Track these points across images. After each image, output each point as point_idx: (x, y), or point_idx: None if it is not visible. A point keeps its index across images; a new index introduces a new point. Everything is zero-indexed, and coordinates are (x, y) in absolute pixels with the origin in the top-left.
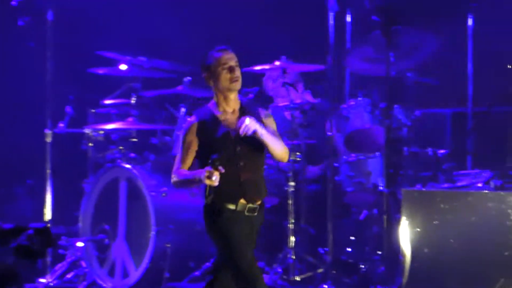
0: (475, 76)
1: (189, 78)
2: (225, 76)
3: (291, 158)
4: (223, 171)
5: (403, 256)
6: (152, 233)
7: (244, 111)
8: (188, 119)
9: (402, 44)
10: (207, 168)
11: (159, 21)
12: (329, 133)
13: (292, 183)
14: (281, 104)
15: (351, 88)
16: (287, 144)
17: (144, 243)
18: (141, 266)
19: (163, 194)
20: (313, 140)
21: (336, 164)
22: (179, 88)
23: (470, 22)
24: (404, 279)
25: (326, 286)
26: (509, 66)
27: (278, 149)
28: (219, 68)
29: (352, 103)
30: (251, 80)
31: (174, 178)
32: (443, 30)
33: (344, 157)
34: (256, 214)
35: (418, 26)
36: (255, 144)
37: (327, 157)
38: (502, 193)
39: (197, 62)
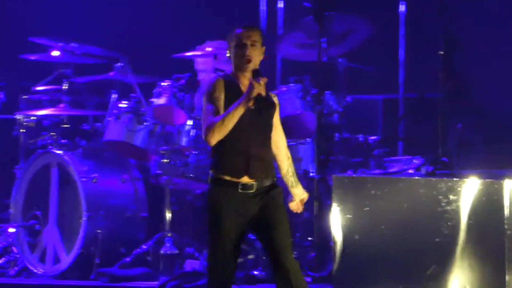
0: (407, 62)
1: (120, 64)
2: (236, 53)
3: None
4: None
5: (334, 242)
6: (83, 219)
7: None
8: (216, 77)
9: (334, 30)
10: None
11: (90, 7)
12: None
13: None
14: None
15: (283, 74)
16: None
17: (75, 229)
18: (72, 252)
19: (94, 180)
20: None
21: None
22: (111, 74)
23: (402, 8)
24: (335, 266)
25: (256, 272)
26: (440, 53)
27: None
28: (233, 44)
29: (284, 89)
30: (184, 66)
31: (213, 125)
32: (375, 16)
33: None
34: (253, 192)
35: (350, 12)
36: (270, 120)
37: None
38: (433, 179)
39: (128, 48)
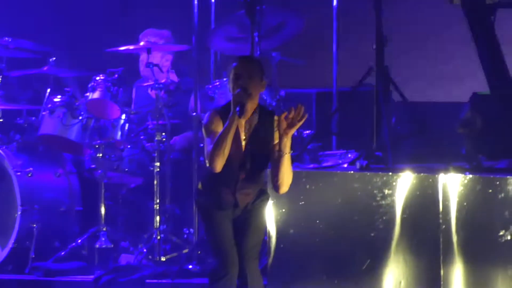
0: (340, 56)
1: (53, 58)
2: (232, 84)
3: (156, 139)
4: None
5: (268, 236)
6: (18, 213)
7: (259, 116)
8: (211, 111)
9: (267, 24)
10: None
11: (24, 1)
12: (193, 113)
13: (157, 163)
14: (145, 84)
15: (216, 69)
16: (152, 124)
17: (9, 223)
18: (6, 246)
19: (29, 174)
20: (178, 119)
21: (201, 145)
22: (45, 68)
23: (335, 2)
24: (269, 260)
25: (191, 266)
26: (374, 47)
27: (287, 178)
28: (231, 75)
29: (217, 83)
30: (117, 60)
31: (211, 152)
32: (308, 10)
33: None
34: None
35: (282, 6)
36: (264, 150)
37: (193, 138)
38: (367, 173)
39: (62, 42)
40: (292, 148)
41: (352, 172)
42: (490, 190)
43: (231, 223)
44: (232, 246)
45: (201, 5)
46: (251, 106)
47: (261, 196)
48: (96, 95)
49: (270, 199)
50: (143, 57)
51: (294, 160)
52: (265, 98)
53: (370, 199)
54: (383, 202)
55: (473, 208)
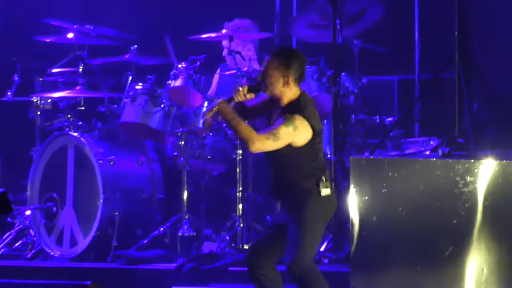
0: (422, 43)
1: (135, 46)
2: None
3: None
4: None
5: (351, 224)
6: (100, 201)
7: (282, 111)
8: None
9: (348, 11)
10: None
11: None
12: None
13: (239, 151)
14: (228, 73)
15: None
16: None
17: (92, 211)
18: (89, 234)
19: (111, 162)
20: None
21: None
22: (126, 56)
23: None
24: (352, 247)
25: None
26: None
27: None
28: None
29: None
30: (201, 48)
31: None
32: None
33: None
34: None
35: None
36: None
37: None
38: (450, 160)
39: (143, 29)
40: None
41: (434, 159)
42: None
43: None
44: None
45: None
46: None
47: (295, 199)
48: (178, 82)
49: (352, 187)
50: (225, 43)
51: (376, 147)
52: (347, 85)
53: (452, 186)
54: (465, 189)
55: None
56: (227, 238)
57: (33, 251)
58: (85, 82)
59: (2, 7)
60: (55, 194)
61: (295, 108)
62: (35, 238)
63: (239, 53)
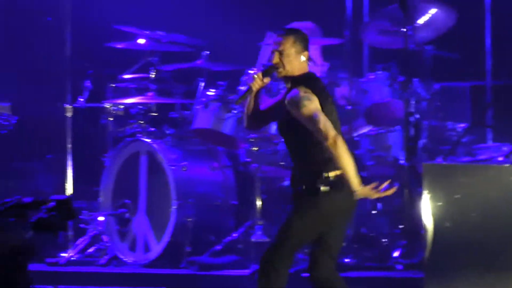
0: (494, 49)
1: (207, 52)
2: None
3: None
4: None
5: (425, 230)
6: (173, 207)
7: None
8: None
9: (420, 17)
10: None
11: None
12: (348, 107)
13: None
14: None
15: (370, 62)
16: None
17: (165, 217)
18: (162, 240)
19: (183, 168)
20: None
21: (356, 138)
22: (198, 62)
23: None
24: (426, 253)
25: (347, 260)
26: None
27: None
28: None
29: (371, 76)
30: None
31: None
32: (460, 3)
33: (364, 130)
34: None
35: None
36: (291, 124)
37: (347, 131)
38: None
39: (215, 35)
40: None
41: (507, 165)
42: None
43: None
44: None
45: None
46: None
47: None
48: None
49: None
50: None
51: (448, 153)
52: (419, 91)
53: None
54: None
55: None
56: None
57: (106, 257)
58: (157, 88)
59: (74, 15)
60: (127, 200)
61: (299, 81)
62: (108, 244)
63: (311, 58)
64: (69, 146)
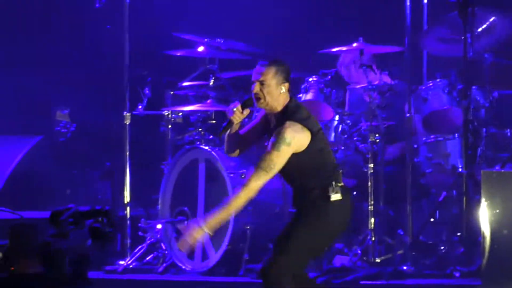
0: None
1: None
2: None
3: (369, 140)
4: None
5: (483, 237)
6: (231, 215)
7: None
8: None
9: (479, 25)
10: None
11: (236, 2)
12: (407, 114)
13: (371, 165)
14: (358, 86)
15: (429, 69)
16: (365, 125)
17: (223, 225)
18: (220, 248)
19: (242, 176)
20: (391, 121)
21: (414, 145)
22: None
23: None
24: (484, 261)
25: (405, 267)
26: None
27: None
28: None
29: (430, 84)
30: (330, 62)
31: None
32: None
33: (423, 138)
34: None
35: (494, 7)
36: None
37: (405, 139)
38: None
39: (273, 43)
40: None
41: None
42: None
43: None
44: None
45: (413, 7)
46: (269, 110)
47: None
48: (309, 96)
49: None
50: (343, 59)
51: (507, 160)
52: (478, 99)
53: None
54: None
55: None
56: (359, 252)
57: (164, 264)
58: (216, 95)
59: (132, 22)
60: (186, 208)
61: (285, 115)
62: (166, 252)
63: (371, 66)
64: (128, 153)
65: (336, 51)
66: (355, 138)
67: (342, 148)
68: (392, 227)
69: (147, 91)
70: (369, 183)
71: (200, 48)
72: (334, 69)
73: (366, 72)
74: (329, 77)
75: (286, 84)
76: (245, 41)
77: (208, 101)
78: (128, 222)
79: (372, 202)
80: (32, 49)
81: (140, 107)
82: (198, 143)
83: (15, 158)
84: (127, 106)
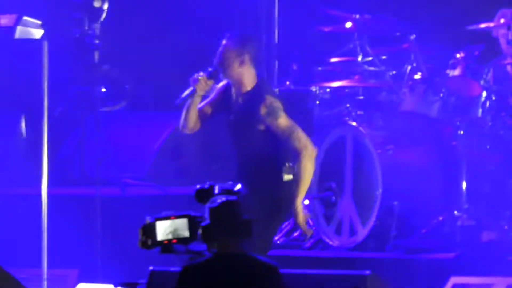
0: None
1: (414, 35)
2: None
3: None
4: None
5: None
6: (379, 191)
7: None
8: None
9: None
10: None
11: None
12: None
13: None
14: (505, 62)
15: None
16: None
17: (370, 200)
18: (368, 223)
19: (390, 152)
20: None
21: None
22: (404, 46)
23: None
24: None
25: None
26: None
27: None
28: None
29: None
30: (477, 37)
31: None
32: None
33: None
34: None
35: None
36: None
37: None
38: None
39: (422, 18)
40: None
41: None
42: None
43: None
44: None
45: None
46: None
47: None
48: (456, 72)
49: None
50: (502, 33)
51: None
52: None
53: None
54: None
55: None
56: (506, 227)
57: (311, 240)
58: (364, 71)
59: None
60: (333, 184)
61: (262, 91)
62: (313, 228)
63: None
64: None
65: (484, 27)
66: (502, 114)
67: (490, 124)
68: None
69: (295, 67)
70: None
71: (349, 24)
72: (481, 45)
73: None
74: (477, 53)
75: (245, 57)
76: (394, 17)
77: (356, 77)
78: None
79: None
80: None
81: (287, 83)
82: (346, 119)
83: (162, 134)
84: (276, 81)
